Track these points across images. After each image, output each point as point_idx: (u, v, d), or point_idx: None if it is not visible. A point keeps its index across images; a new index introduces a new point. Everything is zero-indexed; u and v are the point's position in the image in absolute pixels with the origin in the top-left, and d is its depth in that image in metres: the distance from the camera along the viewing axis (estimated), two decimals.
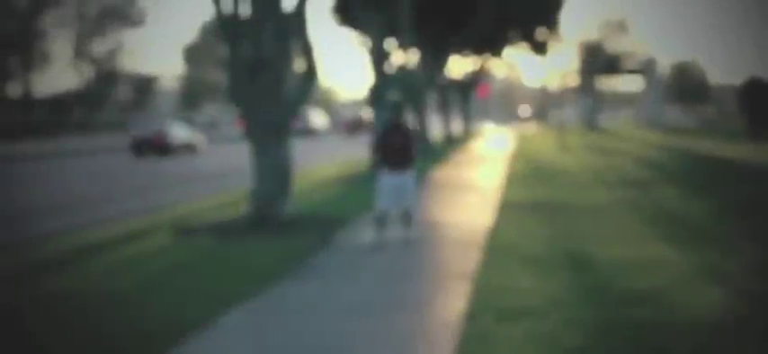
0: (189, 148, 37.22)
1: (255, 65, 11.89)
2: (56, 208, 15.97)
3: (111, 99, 63.68)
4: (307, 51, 12.27)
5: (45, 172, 28.24)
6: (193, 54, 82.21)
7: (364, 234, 11.19)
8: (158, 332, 6.49)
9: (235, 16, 11.90)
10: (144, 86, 66.91)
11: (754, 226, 11.26)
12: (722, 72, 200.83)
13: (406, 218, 10.27)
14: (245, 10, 11.97)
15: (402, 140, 10.00)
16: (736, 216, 12.26)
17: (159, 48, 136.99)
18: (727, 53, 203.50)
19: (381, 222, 10.18)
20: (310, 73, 12.31)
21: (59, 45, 62.55)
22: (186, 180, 22.39)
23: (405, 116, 10.43)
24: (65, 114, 58.28)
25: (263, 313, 7.09)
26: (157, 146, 34.91)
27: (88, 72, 61.53)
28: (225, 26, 11.92)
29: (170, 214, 14.02)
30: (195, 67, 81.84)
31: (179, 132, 36.68)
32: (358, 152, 33.47)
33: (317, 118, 62.92)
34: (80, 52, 60.93)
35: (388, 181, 10.03)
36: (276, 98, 12.01)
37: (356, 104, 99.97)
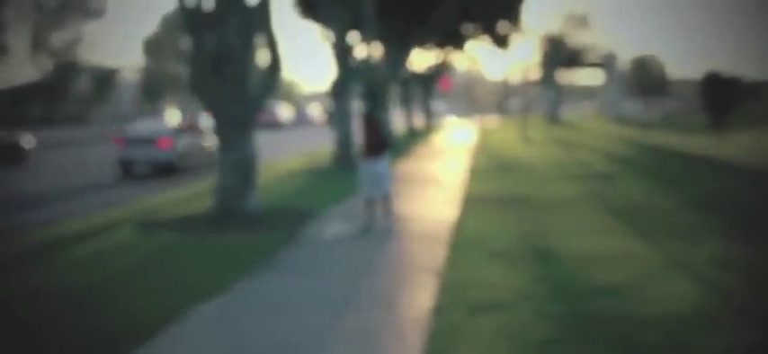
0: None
1: (220, 58, 11.77)
2: (23, 202, 15.70)
3: (71, 92, 62.69)
4: (271, 44, 12.16)
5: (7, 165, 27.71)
6: (154, 46, 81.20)
7: (330, 227, 11.17)
8: (123, 330, 6.40)
9: (198, 9, 11.77)
10: (105, 79, 65.95)
11: (717, 218, 11.42)
12: (682, 66, 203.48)
13: (386, 204, 10.96)
14: (209, 3, 11.85)
15: (373, 130, 10.65)
16: (699, 209, 12.41)
17: (119, 40, 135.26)
18: (686, 48, 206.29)
19: (369, 206, 10.96)
20: (275, 66, 12.22)
21: (18, 37, 61.41)
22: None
23: (380, 106, 11.17)
24: (23, 107, 57.32)
25: (229, 309, 7.03)
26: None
27: (47, 64, 60.53)
28: (188, 19, 11.78)
29: (134, 208, 13.84)
30: (156, 60, 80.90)
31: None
32: (323, 143, 33.34)
33: (283, 111, 62.77)
34: (39, 44, 59.90)
35: (367, 169, 10.77)
36: (241, 92, 11.90)
37: (319, 97, 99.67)
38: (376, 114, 10.85)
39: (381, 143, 10.66)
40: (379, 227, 10.86)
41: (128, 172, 21.32)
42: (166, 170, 21.36)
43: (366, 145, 10.73)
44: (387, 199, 10.94)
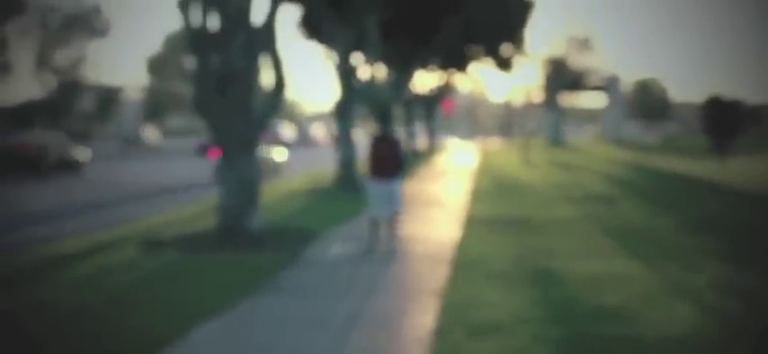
0: None
1: (224, 78, 11.87)
2: (30, 218, 15.75)
3: (74, 109, 62.78)
4: (275, 64, 12.29)
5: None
6: (157, 65, 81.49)
7: (333, 247, 11.21)
8: (126, 348, 6.44)
9: (203, 29, 11.88)
10: (108, 97, 66.07)
11: (717, 242, 11.45)
12: (683, 89, 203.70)
13: (393, 224, 10.80)
14: (214, 23, 11.96)
15: (389, 150, 10.57)
16: (699, 232, 12.45)
17: (123, 58, 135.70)
18: (687, 71, 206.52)
19: (373, 227, 10.80)
20: (279, 86, 12.33)
21: (22, 55, 61.54)
22: (150, 192, 22.17)
23: (392, 127, 10.93)
24: (26, 124, 57.42)
25: (230, 328, 7.07)
26: None
27: (51, 82, 60.69)
28: (194, 38, 11.90)
29: (138, 226, 13.89)
30: (159, 79, 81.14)
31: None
32: (326, 164, 33.41)
33: (286, 131, 63.06)
34: (43, 62, 60.09)
35: (377, 189, 10.59)
36: (245, 111, 11.99)
37: (322, 117, 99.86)
38: (392, 135, 10.81)
39: (397, 164, 10.61)
40: (382, 248, 10.81)
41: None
42: None
43: (378, 165, 10.62)
44: (393, 220, 10.82)
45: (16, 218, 15.79)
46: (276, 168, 28.03)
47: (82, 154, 31.53)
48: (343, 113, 21.74)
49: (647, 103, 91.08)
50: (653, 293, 8.16)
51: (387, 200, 10.58)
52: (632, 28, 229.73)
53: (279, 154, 29.64)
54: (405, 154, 10.77)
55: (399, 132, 39.40)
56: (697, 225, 13.28)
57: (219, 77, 11.85)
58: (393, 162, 10.58)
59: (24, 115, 58.49)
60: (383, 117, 10.92)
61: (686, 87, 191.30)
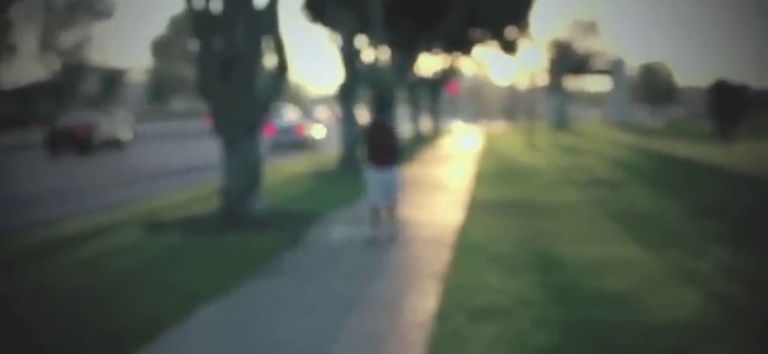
0: None
1: (227, 61, 11.82)
2: (33, 200, 15.80)
3: (78, 92, 62.63)
4: (279, 47, 12.23)
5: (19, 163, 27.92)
6: (162, 47, 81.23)
7: (336, 230, 11.21)
8: (128, 331, 6.43)
9: (206, 11, 11.83)
10: (113, 79, 65.90)
11: (722, 227, 11.40)
12: (690, 74, 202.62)
13: (392, 210, 10.54)
14: (217, 5, 11.90)
15: (386, 137, 10.23)
16: (704, 217, 12.39)
17: (127, 40, 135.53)
18: (694, 55, 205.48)
19: (374, 216, 10.46)
20: (282, 69, 12.28)
21: (25, 36, 61.31)
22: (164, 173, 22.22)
23: (390, 112, 10.73)
24: (30, 106, 57.38)
25: (233, 309, 7.06)
26: None
27: (55, 64, 60.56)
28: (196, 21, 11.84)
29: (140, 208, 13.90)
30: (163, 61, 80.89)
31: None
32: (329, 146, 33.44)
33: (291, 114, 62.72)
34: (47, 44, 59.93)
35: (375, 177, 10.25)
36: (248, 94, 11.95)
37: (326, 100, 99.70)
38: (388, 121, 10.52)
39: (394, 152, 10.29)
40: (383, 235, 10.67)
41: (277, 149, 31.83)
42: (300, 146, 32.75)
43: (376, 153, 10.26)
44: (392, 207, 10.54)
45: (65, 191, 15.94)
46: (315, 143, 34.54)
47: (125, 133, 36.58)
48: (346, 96, 21.71)
49: (653, 87, 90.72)
50: (657, 278, 8.11)
51: (385, 188, 10.30)
52: (637, 10, 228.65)
53: (318, 132, 36.22)
54: (400, 142, 10.58)
55: (402, 116, 39.35)
56: (702, 210, 13.22)
57: (222, 60, 11.80)
58: (390, 149, 10.26)
59: (28, 97, 58.48)
60: (380, 103, 10.65)
61: (691, 71, 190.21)
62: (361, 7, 21.55)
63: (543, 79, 68.35)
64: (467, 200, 14.73)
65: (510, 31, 38.55)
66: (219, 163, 12.48)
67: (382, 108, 10.56)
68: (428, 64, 46.16)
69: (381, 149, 10.21)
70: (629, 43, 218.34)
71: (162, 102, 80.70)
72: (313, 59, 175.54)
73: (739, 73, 76.40)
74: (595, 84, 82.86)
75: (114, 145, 35.16)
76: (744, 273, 8.40)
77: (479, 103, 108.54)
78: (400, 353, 5.91)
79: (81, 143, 32.68)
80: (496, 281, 8.01)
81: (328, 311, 6.97)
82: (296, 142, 32.73)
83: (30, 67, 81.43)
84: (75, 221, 12.56)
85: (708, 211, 13.09)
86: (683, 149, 31.07)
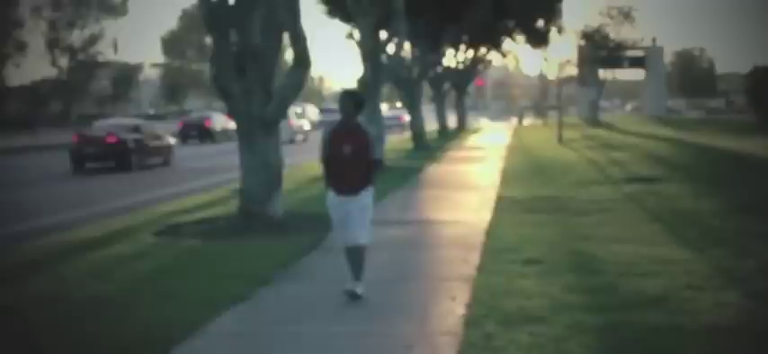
0: None
1: (244, 56, 11.33)
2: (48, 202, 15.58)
3: (89, 90, 62.21)
4: (299, 40, 11.63)
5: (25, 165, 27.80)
6: (173, 43, 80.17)
7: None
8: (144, 339, 6.22)
9: (221, 3, 11.34)
10: (125, 76, 65.13)
11: (765, 226, 10.77)
12: (729, 60, 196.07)
13: (355, 260, 7.24)
14: None
15: (354, 147, 7.06)
16: (749, 215, 11.73)
17: (138, 36, 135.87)
18: (733, 40, 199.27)
19: (352, 258, 7.31)
20: (302, 63, 11.71)
21: (36, 34, 61.03)
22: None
23: (361, 113, 7.34)
24: (40, 105, 57.19)
25: (255, 316, 6.88)
26: None
27: (65, 61, 60.33)
28: (210, 14, 11.36)
29: (158, 211, 13.58)
30: (175, 57, 79.92)
31: None
32: None
33: (310, 112, 60.95)
34: (56, 41, 59.73)
35: (335, 205, 7.22)
36: (266, 90, 11.45)
37: None
38: (363, 125, 7.34)
39: (364, 168, 7.15)
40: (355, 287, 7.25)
41: None
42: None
43: (335, 171, 7.15)
44: (355, 255, 7.23)
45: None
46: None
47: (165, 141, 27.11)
48: (368, 91, 21.18)
49: (691, 76, 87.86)
50: (699, 279, 7.61)
51: (345, 222, 7.16)
52: None
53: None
54: (382, 152, 7.45)
55: (426, 112, 38.28)
56: (746, 207, 12.54)
57: (238, 55, 11.31)
58: (357, 165, 7.07)
59: (38, 95, 58.30)
60: (353, 98, 7.24)
61: (732, 57, 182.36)
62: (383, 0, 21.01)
63: (575, 70, 66.63)
64: (496, 199, 14.22)
65: (540, 22, 37.74)
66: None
67: (355, 107, 7.18)
68: (454, 57, 45.30)
69: (345, 164, 7.07)
70: (662, 29, 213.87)
71: (177, 102, 79.87)
72: (336, 49, 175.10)
73: None
74: (630, 74, 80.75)
75: (163, 154, 26.60)
76: None
77: (508, 98, 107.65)
78: None
79: (120, 156, 24.31)
80: (529, 285, 7.57)
81: (354, 317, 6.75)
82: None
83: (39, 65, 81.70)
84: (90, 226, 12.25)
85: (753, 208, 12.41)
86: (724, 142, 30.01)
